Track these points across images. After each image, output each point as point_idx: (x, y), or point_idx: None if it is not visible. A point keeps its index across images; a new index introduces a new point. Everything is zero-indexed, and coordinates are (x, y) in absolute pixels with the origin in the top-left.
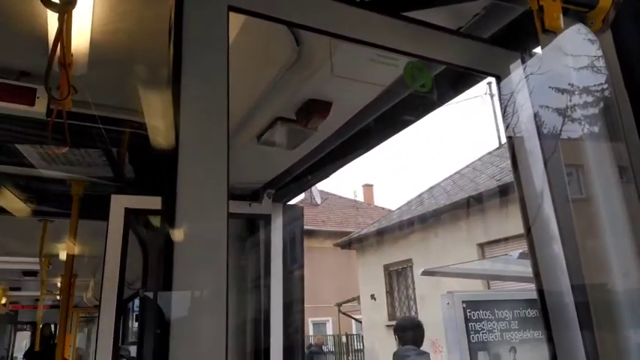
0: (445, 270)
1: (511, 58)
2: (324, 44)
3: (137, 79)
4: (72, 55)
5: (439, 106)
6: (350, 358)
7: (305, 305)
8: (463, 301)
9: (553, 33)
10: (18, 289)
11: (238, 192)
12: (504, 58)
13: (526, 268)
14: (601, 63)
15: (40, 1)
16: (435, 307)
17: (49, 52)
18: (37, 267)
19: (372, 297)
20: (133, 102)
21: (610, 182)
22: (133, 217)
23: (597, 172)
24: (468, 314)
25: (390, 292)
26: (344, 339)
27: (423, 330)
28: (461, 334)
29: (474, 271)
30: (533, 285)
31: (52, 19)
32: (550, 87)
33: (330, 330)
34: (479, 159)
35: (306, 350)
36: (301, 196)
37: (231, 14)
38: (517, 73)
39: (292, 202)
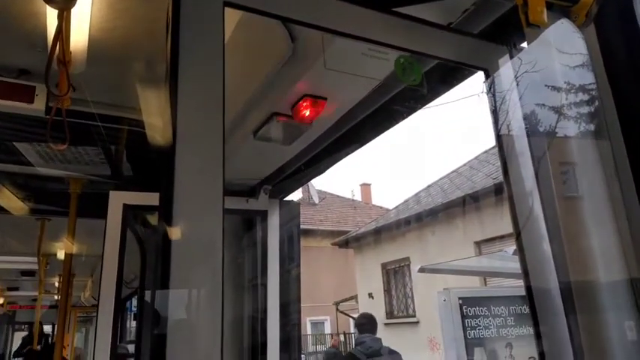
0: (441, 267)
1: (499, 53)
2: (319, 40)
3: (135, 77)
4: (70, 52)
5: (431, 100)
6: None
7: (302, 304)
8: (459, 298)
9: (537, 27)
10: (16, 289)
11: (236, 188)
12: (492, 52)
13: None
14: (586, 58)
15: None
16: (432, 306)
17: (49, 49)
18: (34, 266)
19: (370, 295)
20: (131, 99)
21: (595, 179)
22: (131, 214)
23: (583, 167)
24: (465, 311)
25: (387, 291)
26: (342, 338)
27: (375, 322)
28: (457, 330)
29: (470, 268)
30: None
31: (52, 17)
32: (537, 81)
33: (328, 329)
34: (475, 157)
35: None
36: (299, 196)
37: (227, 10)
38: (505, 67)
39: (289, 198)
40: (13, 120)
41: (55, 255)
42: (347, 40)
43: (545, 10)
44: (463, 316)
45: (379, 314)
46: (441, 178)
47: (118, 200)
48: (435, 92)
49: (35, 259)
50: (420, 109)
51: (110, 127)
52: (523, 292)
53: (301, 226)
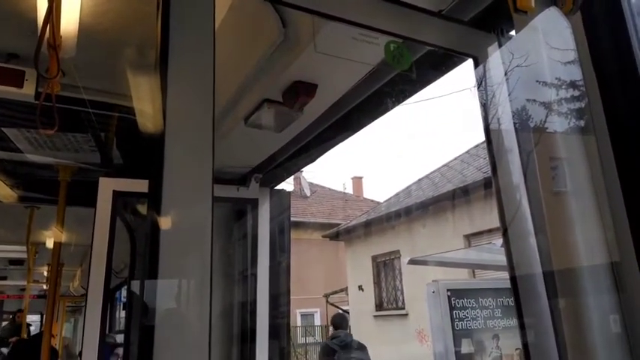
0: (431, 259)
1: (488, 41)
2: (310, 26)
3: (126, 63)
4: (61, 36)
5: (423, 87)
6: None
7: (293, 295)
8: (448, 289)
9: (525, 13)
10: (4, 278)
11: (227, 176)
12: (482, 40)
13: None
14: (573, 48)
15: None
16: (421, 298)
17: (39, 32)
18: (23, 255)
19: (360, 288)
20: (122, 86)
21: (582, 173)
22: (120, 202)
23: (570, 161)
24: (453, 302)
25: (377, 283)
26: (331, 329)
27: (348, 321)
28: (445, 321)
29: (458, 260)
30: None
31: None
32: (524, 71)
33: (318, 321)
34: (466, 151)
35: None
36: (290, 188)
37: None
38: (494, 55)
39: (279, 187)
40: (2, 105)
41: (44, 244)
42: (338, 24)
43: None
44: (451, 308)
45: (369, 306)
46: (432, 172)
47: (107, 187)
48: (425, 79)
49: (24, 248)
50: (411, 95)
51: (100, 114)
52: (510, 285)
53: (292, 219)
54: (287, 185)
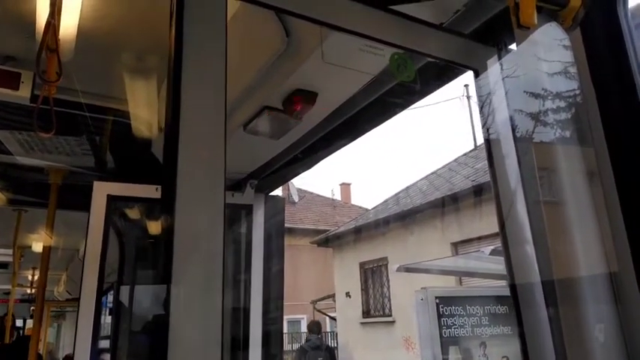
0: (419, 266)
1: (488, 54)
2: (313, 35)
3: (123, 67)
4: (59, 39)
5: (423, 97)
6: None
7: (284, 295)
8: (436, 297)
9: (527, 28)
10: None
11: None
12: (482, 53)
13: (497, 265)
14: (572, 62)
15: None
16: (408, 306)
17: (40, 35)
18: (8, 259)
19: (347, 294)
20: (118, 90)
21: (578, 181)
22: (113, 206)
23: (566, 170)
24: (441, 310)
25: (365, 290)
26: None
27: (321, 327)
28: (433, 329)
29: (447, 267)
30: (503, 282)
31: (43, 3)
32: (523, 83)
33: (304, 327)
34: (454, 160)
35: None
36: (279, 194)
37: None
38: (494, 68)
39: (273, 193)
40: None
41: (31, 247)
42: (341, 35)
43: (535, 13)
44: (439, 315)
45: (356, 313)
46: (420, 180)
47: (102, 191)
48: (426, 89)
49: (8, 251)
50: (410, 105)
51: (95, 118)
52: (497, 293)
53: None
54: (276, 191)
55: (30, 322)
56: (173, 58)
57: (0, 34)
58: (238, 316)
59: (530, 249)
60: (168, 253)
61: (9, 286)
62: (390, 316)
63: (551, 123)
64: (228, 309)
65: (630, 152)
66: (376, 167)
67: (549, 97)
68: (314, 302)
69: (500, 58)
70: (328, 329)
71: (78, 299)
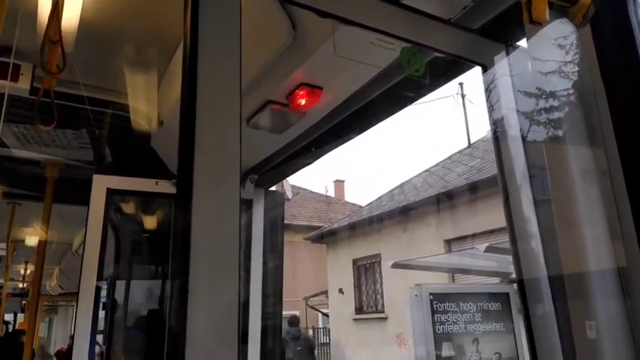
0: (414, 263)
1: (496, 50)
2: (320, 28)
3: (124, 60)
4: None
5: (429, 91)
6: (316, 351)
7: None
8: (430, 293)
9: (539, 24)
10: None
11: None
12: (490, 49)
13: (491, 262)
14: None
15: None
16: (401, 302)
17: (43, 27)
18: (1, 252)
19: (340, 291)
20: (118, 82)
21: (587, 177)
22: (112, 200)
23: (574, 166)
24: (435, 306)
25: (357, 287)
26: (310, 332)
27: (299, 321)
28: (427, 325)
29: (441, 264)
30: (496, 279)
31: None
32: (532, 79)
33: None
34: (448, 157)
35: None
36: (273, 190)
37: None
38: (502, 63)
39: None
40: None
41: (24, 241)
42: (349, 28)
43: (547, 9)
44: (433, 312)
45: (349, 309)
46: (414, 177)
47: (101, 184)
48: (433, 84)
49: (1, 245)
50: (416, 100)
51: (94, 110)
52: (490, 290)
53: None
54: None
55: (20, 317)
56: (189, 50)
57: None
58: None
59: (538, 244)
60: (185, 248)
61: (1, 280)
62: (383, 312)
63: (560, 119)
64: None
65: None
66: (370, 164)
67: (557, 94)
68: (307, 298)
69: (508, 54)
70: (320, 325)
71: (77, 293)
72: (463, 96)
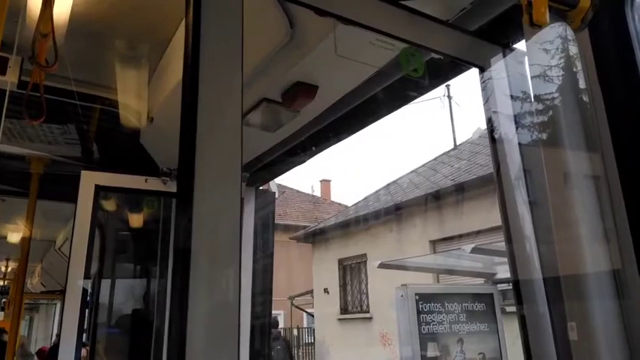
0: (400, 263)
1: (494, 52)
2: (318, 27)
3: (114, 55)
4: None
5: (425, 92)
6: (300, 351)
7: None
8: (416, 294)
9: (539, 27)
10: None
11: None
12: (487, 50)
13: (477, 263)
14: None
15: None
16: (385, 302)
17: (35, 19)
18: None
19: (326, 291)
20: (107, 78)
21: (584, 180)
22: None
23: (572, 168)
24: (420, 306)
25: (343, 286)
26: (295, 332)
27: (278, 323)
28: (413, 325)
29: (428, 265)
30: (481, 279)
31: None
32: (527, 82)
33: (282, 323)
34: (435, 158)
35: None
36: (264, 188)
37: None
38: (499, 65)
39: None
40: None
41: (6, 238)
42: (348, 27)
43: (547, 12)
44: (419, 312)
45: (334, 309)
46: (400, 177)
47: (89, 181)
48: (430, 84)
49: None
50: (412, 100)
51: (83, 106)
52: (475, 290)
53: None
54: None
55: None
56: (190, 48)
57: None
58: None
59: (533, 246)
60: (186, 247)
61: None
62: (368, 312)
63: (557, 122)
64: None
65: (636, 153)
66: (357, 165)
67: (554, 96)
68: (292, 298)
69: (505, 56)
70: (305, 325)
71: (63, 292)
72: (450, 98)
